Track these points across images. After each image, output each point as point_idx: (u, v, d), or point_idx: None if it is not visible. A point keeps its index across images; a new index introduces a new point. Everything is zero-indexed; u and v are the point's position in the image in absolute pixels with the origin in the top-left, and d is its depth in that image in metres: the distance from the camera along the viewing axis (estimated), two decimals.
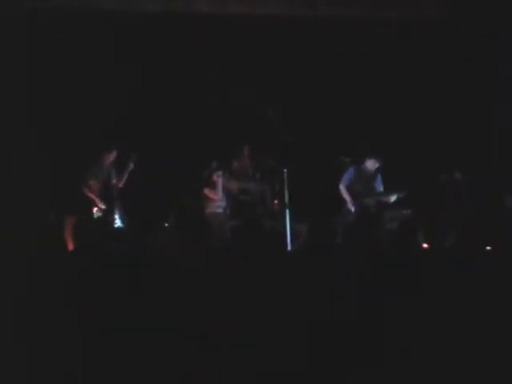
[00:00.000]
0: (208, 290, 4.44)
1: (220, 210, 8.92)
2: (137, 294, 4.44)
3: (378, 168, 8.47)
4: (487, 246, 7.90)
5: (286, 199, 8.64)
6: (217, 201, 8.87)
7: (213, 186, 8.93)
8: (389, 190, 8.48)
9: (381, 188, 8.53)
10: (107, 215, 8.37)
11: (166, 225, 8.85)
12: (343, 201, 8.53)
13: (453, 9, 10.37)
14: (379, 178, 8.52)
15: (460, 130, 10.05)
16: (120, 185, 8.71)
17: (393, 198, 8.38)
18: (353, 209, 8.36)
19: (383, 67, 10.18)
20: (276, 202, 9.67)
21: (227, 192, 9.26)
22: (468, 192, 8.97)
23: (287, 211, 8.55)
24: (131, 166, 8.69)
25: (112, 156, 8.64)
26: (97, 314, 4.12)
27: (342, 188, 8.48)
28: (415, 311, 4.26)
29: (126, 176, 8.72)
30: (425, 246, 7.93)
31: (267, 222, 9.12)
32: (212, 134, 9.77)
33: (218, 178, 8.96)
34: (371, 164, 8.40)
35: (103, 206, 8.40)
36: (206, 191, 8.94)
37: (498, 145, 9.82)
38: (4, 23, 9.27)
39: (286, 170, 8.76)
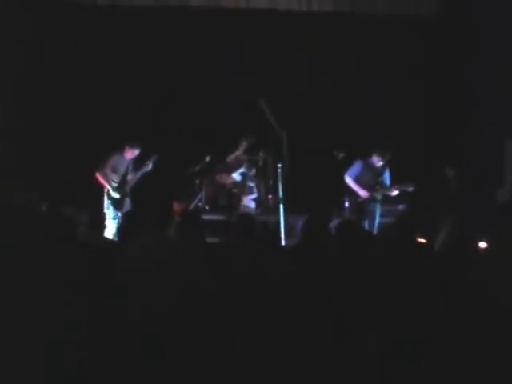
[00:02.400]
0: (201, 286, 4.40)
1: (253, 206, 8.65)
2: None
3: (386, 163, 8.48)
4: (480, 241, 7.92)
5: (280, 193, 8.68)
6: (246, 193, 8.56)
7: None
8: (395, 184, 8.52)
9: (388, 182, 8.55)
10: (118, 206, 8.36)
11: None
12: (348, 192, 8.54)
13: (443, 5, 10.42)
14: (387, 172, 8.54)
15: (450, 126, 10.12)
16: (133, 182, 8.61)
17: (396, 192, 8.44)
18: (366, 195, 8.39)
19: (376, 62, 10.24)
20: (270, 196, 9.72)
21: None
22: (460, 187, 9.02)
23: (281, 206, 8.61)
24: (149, 166, 8.53)
25: (134, 152, 8.50)
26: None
27: (349, 179, 8.47)
28: (412, 306, 4.27)
29: (139, 175, 8.58)
30: (421, 240, 7.96)
31: (261, 217, 9.10)
32: (206, 128, 9.79)
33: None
34: (376, 160, 8.41)
35: (117, 196, 8.42)
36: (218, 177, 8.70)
37: (488, 139, 9.88)
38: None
39: (280, 165, 8.82)
